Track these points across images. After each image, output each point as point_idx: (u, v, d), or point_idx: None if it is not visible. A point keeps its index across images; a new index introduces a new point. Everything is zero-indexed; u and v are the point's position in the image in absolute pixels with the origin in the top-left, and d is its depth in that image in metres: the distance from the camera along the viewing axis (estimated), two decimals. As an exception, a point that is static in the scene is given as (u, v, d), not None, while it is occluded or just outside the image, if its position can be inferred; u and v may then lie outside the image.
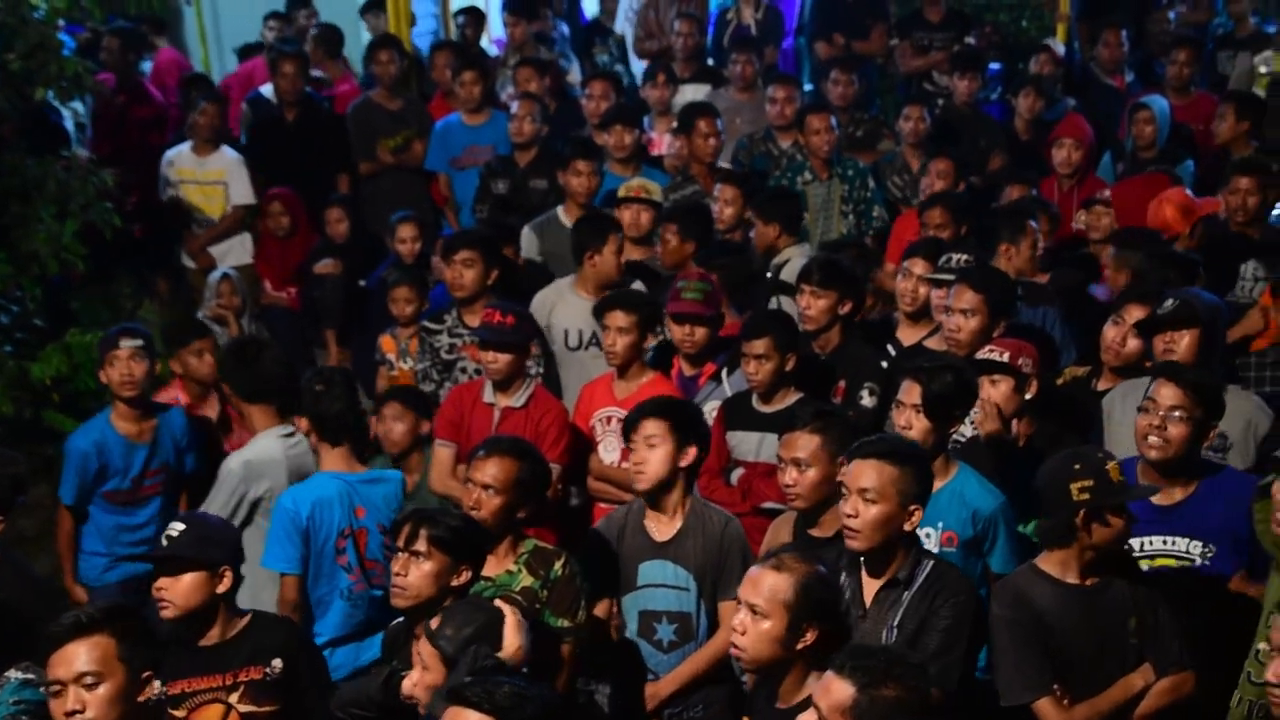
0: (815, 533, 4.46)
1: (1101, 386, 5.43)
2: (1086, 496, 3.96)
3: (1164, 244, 6.57)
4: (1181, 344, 5.02)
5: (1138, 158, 8.52)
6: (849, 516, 3.96)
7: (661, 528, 4.63)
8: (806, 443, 4.45)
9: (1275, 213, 6.59)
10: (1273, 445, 4.80)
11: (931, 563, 4.02)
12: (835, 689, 3.18)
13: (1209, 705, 4.18)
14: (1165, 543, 4.43)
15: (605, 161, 7.46)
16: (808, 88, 9.91)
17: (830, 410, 4.72)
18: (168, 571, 4.09)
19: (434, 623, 3.66)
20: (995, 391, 4.93)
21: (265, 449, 5.26)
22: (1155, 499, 4.42)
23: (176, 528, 4.14)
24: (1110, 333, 5.43)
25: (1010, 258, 6.23)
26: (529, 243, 7.26)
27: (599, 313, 5.81)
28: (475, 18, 10.76)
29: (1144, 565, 4.41)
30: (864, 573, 4.02)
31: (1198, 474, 4.46)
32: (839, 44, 10.29)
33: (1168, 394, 4.40)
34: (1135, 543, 4.43)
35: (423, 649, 3.60)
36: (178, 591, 4.08)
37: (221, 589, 4.12)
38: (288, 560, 4.86)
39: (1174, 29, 10.83)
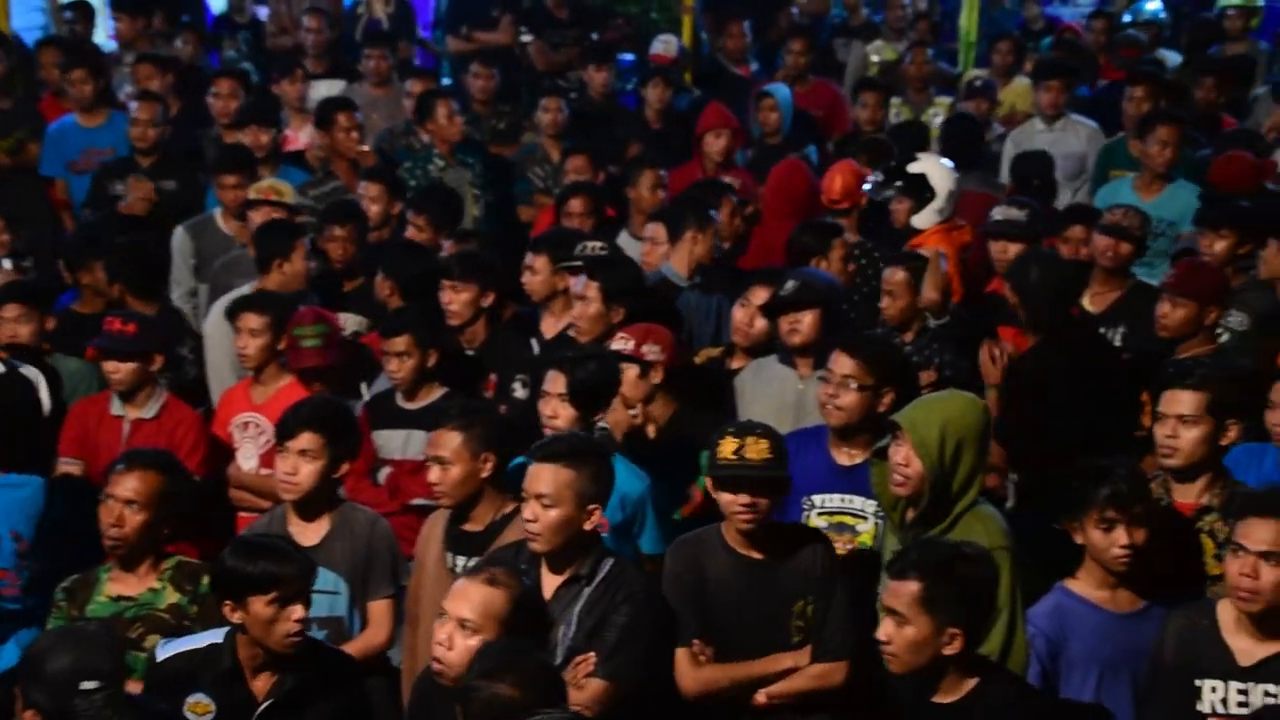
0: (468, 528, 4.45)
1: (734, 365, 5.61)
2: (709, 472, 4.19)
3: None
4: (804, 323, 5.22)
5: (765, 144, 8.87)
6: (529, 521, 3.98)
7: (307, 533, 4.52)
8: (448, 440, 4.42)
9: (868, 185, 6.96)
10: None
11: (612, 560, 4.07)
12: None
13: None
14: (844, 500, 4.63)
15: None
16: (446, 81, 9.88)
17: (475, 406, 4.70)
18: None
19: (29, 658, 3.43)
20: (623, 379, 5.02)
21: None
22: (838, 459, 4.62)
23: None
24: (738, 314, 5.60)
25: (696, 243, 6.32)
26: (182, 243, 7.01)
27: (231, 315, 5.62)
28: (84, 12, 10.21)
29: (823, 521, 4.60)
30: (543, 569, 4.05)
31: (875, 436, 4.59)
32: (464, 36, 10.33)
33: (842, 363, 4.62)
34: (817, 499, 4.61)
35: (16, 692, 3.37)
36: None
37: None
38: None
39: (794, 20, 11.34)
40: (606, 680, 3.92)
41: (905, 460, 4.14)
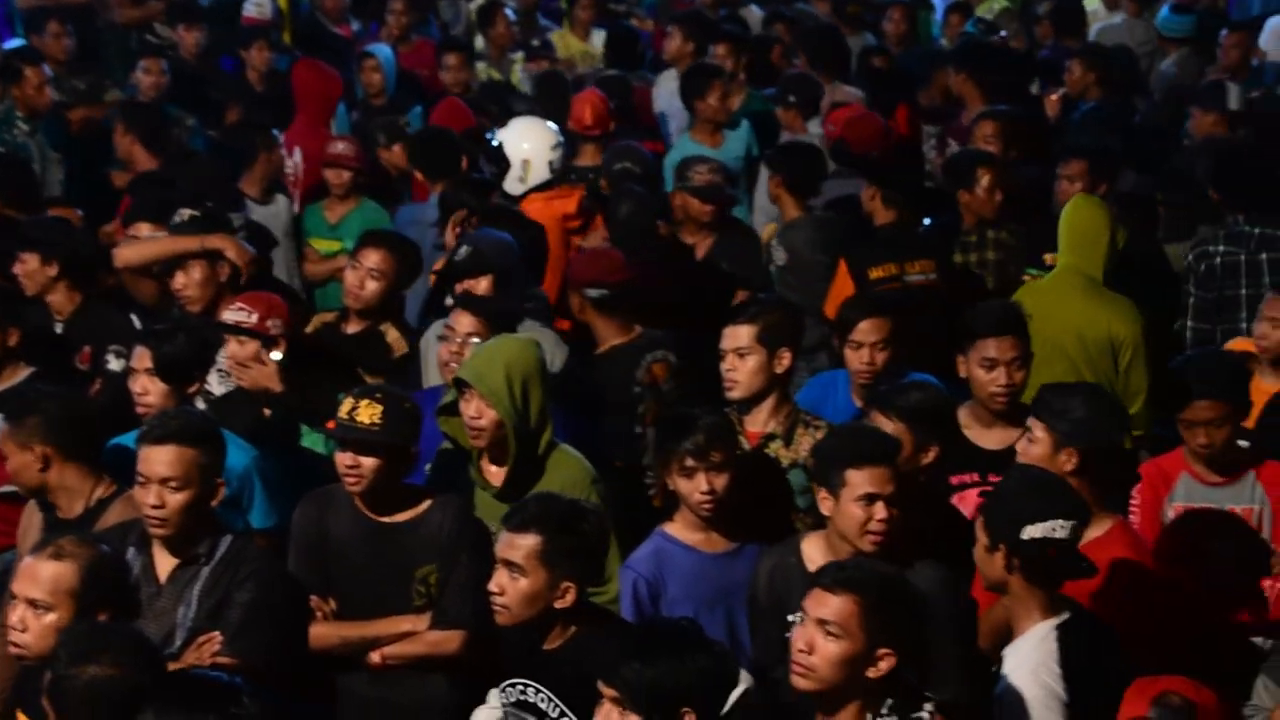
0: (62, 515, 4.24)
1: (349, 330, 5.55)
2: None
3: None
4: (480, 289, 5.27)
5: (370, 105, 8.75)
6: (155, 506, 3.84)
7: None
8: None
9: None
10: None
11: (230, 538, 3.98)
12: None
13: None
14: None
15: None
16: (18, 42, 9.26)
17: (36, 393, 4.45)
18: None
19: None
20: (242, 351, 4.92)
21: None
22: None
23: None
24: (349, 277, 5.54)
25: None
26: None
27: None
28: None
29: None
30: (156, 549, 3.92)
31: None
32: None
33: (465, 322, 4.76)
34: None
35: None
36: None
37: None
38: None
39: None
40: (235, 659, 3.83)
41: (478, 413, 4.26)
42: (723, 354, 4.55)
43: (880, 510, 3.75)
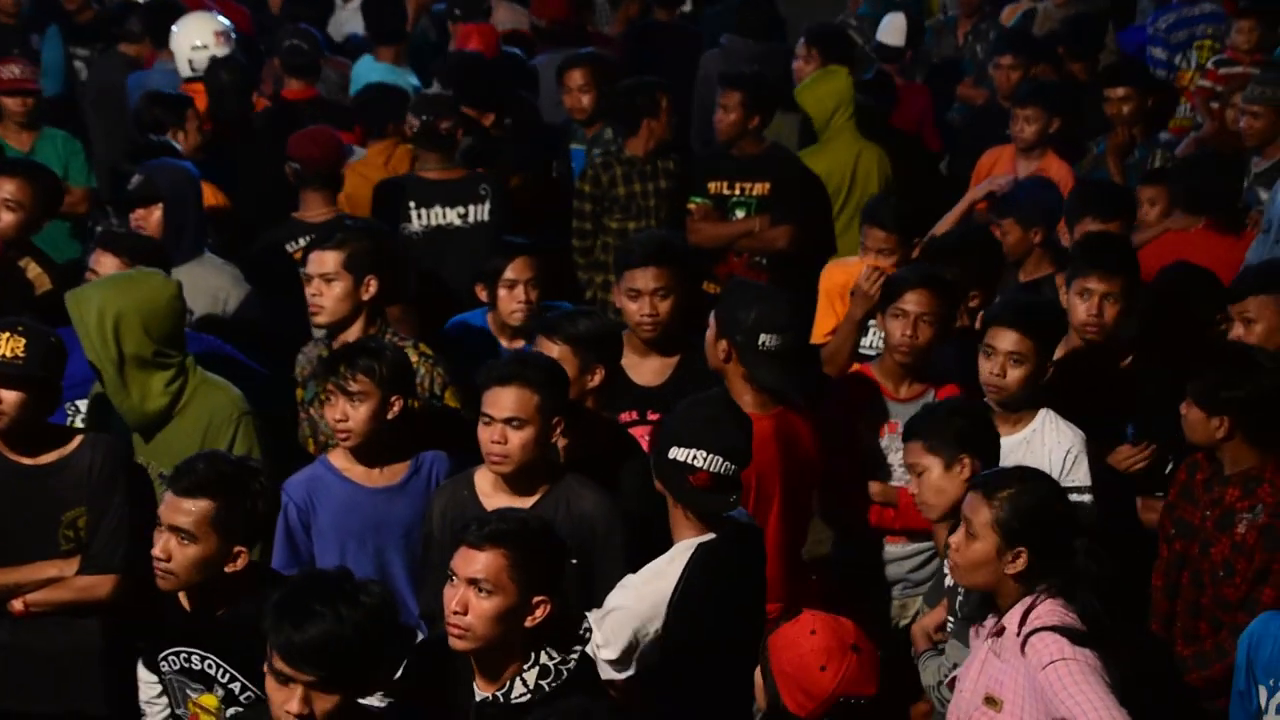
0: None
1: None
2: None
3: None
4: (151, 220, 5.06)
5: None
6: None
7: None
8: None
9: None
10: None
11: None
12: None
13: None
14: None
15: None
16: None
17: None
18: None
19: None
20: None
21: None
22: None
23: None
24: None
25: None
26: None
27: None
28: None
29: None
30: None
31: None
32: None
33: (106, 262, 4.59)
34: (82, 405, 4.48)
35: None
36: None
37: None
38: None
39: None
40: None
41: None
42: (308, 279, 4.53)
43: (496, 431, 3.76)
